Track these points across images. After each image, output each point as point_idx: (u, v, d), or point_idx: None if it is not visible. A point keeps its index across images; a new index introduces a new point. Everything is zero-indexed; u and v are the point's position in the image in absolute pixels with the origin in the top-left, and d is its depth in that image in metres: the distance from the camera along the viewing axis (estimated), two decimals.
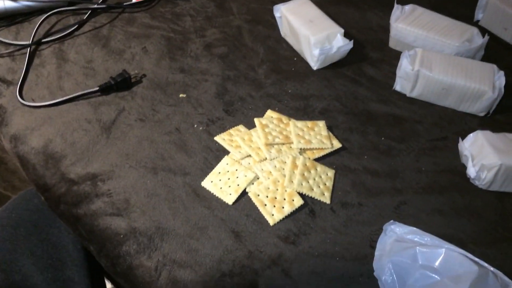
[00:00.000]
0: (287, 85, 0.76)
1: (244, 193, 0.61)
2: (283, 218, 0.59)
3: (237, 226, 0.58)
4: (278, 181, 0.61)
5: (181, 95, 0.74)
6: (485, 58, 0.79)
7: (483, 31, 0.85)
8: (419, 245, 0.52)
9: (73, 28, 0.84)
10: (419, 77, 0.72)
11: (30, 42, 0.80)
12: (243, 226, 0.58)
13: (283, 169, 0.63)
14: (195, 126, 0.69)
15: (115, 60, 0.79)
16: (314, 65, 0.79)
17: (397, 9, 0.83)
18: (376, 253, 0.55)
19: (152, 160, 0.65)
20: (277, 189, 0.61)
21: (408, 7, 0.84)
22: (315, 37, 0.76)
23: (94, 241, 0.59)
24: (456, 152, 0.68)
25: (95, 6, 0.88)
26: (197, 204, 0.60)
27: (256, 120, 0.67)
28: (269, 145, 0.65)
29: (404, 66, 0.74)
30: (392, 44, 0.85)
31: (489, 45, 0.79)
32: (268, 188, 0.61)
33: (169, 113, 0.71)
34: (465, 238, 0.58)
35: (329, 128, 0.70)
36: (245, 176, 0.62)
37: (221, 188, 0.61)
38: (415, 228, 0.55)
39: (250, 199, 0.60)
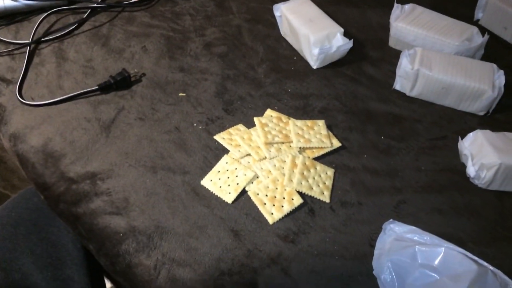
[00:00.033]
0: (287, 84, 0.76)
1: (243, 192, 0.61)
2: (283, 217, 0.59)
3: (236, 225, 0.58)
4: (278, 180, 0.61)
5: (180, 94, 0.74)
6: (485, 57, 0.79)
7: (483, 30, 0.84)
8: (418, 244, 0.52)
9: (72, 27, 0.84)
10: (418, 76, 0.72)
11: (30, 41, 0.80)
12: (243, 225, 0.58)
13: (283, 168, 0.63)
14: (195, 125, 0.69)
15: (115, 59, 0.79)
16: (314, 64, 0.79)
17: (397, 8, 0.83)
18: (376, 252, 0.55)
19: (151, 159, 0.65)
20: (276, 188, 0.61)
21: (408, 6, 0.84)
22: (314, 36, 0.76)
23: (93, 240, 0.59)
24: (455, 151, 0.68)
25: (95, 5, 0.88)
26: (196, 203, 0.60)
27: (255, 119, 0.67)
28: (269, 144, 0.65)
29: (404, 65, 0.74)
30: (392, 43, 0.85)
31: (489, 44, 0.79)
32: (268, 187, 0.61)
33: (169, 112, 0.71)
34: (464, 237, 0.58)
35: (329, 127, 0.70)
36: (245, 175, 0.62)
37: (220, 187, 0.61)
38: (414, 227, 0.55)
39: (250, 198, 0.60)
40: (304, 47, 0.79)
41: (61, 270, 0.64)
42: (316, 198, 0.61)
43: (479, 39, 0.78)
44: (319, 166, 0.64)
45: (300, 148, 0.65)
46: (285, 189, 0.60)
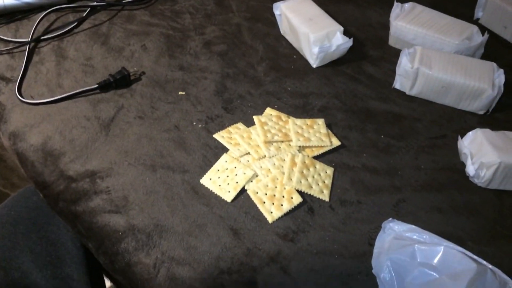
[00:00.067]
0: (286, 82, 0.76)
1: (243, 190, 0.61)
2: (282, 216, 0.59)
3: (235, 224, 0.58)
4: (277, 179, 0.61)
5: (180, 93, 0.74)
6: (485, 56, 0.79)
7: (483, 29, 0.84)
8: (417, 242, 0.52)
9: (72, 26, 0.84)
10: (418, 75, 0.72)
11: (29, 40, 0.80)
12: (242, 224, 0.58)
13: (282, 166, 0.63)
14: (194, 123, 0.69)
15: (114, 57, 0.79)
16: (314, 63, 0.79)
17: (396, 7, 0.83)
18: (375, 250, 0.55)
19: (151, 158, 0.65)
20: (276, 187, 0.61)
21: (407, 5, 0.84)
22: (314, 35, 0.75)
23: (92, 238, 0.59)
24: (455, 150, 0.68)
25: (95, 3, 0.88)
26: (195, 201, 0.60)
27: (255, 117, 0.67)
28: (268, 142, 0.65)
29: (404, 64, 0.73)
30: (391, 42, 0.85)
31: (489, 43, 0.79)
32: (267, 186, 0.61)
33: (168, 111, 0.71)
34: (463, 236, 0.58)
35: (328, 126, 0.69)
36: (244, 173, 0.62)
37: (220, 185, 0.61)
38: (413, 226, 0.55)
39: (249, 196, 0.60)
40: (304, 46, 0.79)
41: (61, 268, 0.64)
42: (315, 197, 0.61)
43: (479, 38, 0.78)
44: (319, 165, 0.64)
45: (299, 146, 0.65)
46: (284, 188, 0.60)
